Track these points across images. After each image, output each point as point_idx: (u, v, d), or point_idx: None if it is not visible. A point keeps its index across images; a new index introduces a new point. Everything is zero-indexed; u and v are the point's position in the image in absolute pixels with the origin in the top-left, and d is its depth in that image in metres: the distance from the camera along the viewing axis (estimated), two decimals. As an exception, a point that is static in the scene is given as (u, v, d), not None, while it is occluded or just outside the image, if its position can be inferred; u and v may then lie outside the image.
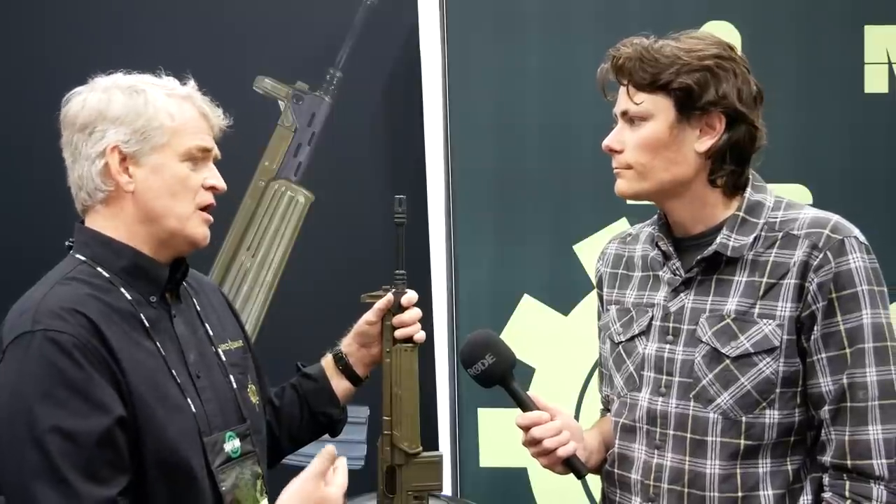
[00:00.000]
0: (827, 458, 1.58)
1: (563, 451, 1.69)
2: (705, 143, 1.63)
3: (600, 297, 1.88)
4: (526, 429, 1.71)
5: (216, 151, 1.70)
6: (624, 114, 1.67)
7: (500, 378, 1.74)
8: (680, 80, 1.60)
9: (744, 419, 1.60)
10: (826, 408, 1.58)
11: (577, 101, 2.73)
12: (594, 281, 1.91)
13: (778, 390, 1.59)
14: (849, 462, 1.55)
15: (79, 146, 1.64)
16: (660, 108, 1.63)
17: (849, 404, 1.56)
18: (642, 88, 1.63)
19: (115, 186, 1.63)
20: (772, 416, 1.59)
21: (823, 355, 1.57)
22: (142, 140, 1.62)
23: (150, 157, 1.62)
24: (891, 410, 1.55)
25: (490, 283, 2.79)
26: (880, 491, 1.54)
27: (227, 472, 1.64)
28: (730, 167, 1.64)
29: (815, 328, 1.57)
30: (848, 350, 1.56)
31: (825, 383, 1.58)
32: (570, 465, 1.72)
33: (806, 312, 1.58)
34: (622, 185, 1.69)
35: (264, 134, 2.97)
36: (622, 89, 1.67)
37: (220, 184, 1.69)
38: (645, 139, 1.64)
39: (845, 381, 1.56)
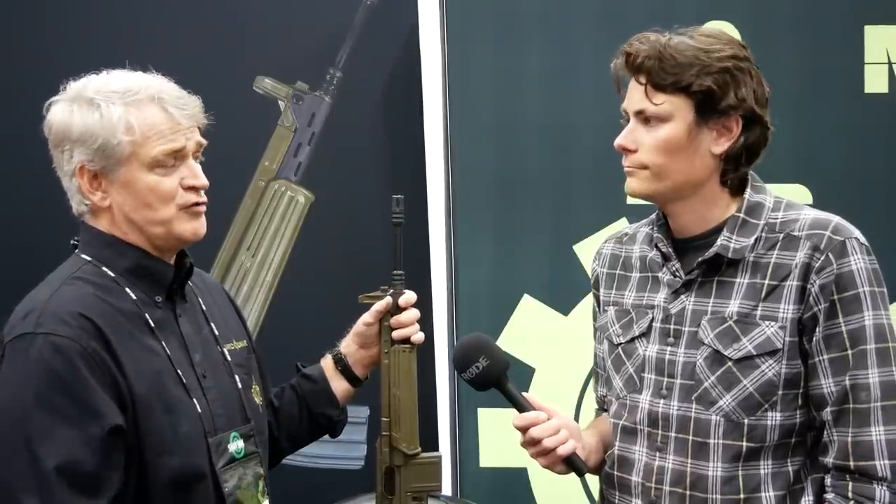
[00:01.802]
0: (829, 460, 1.58)
1: (562, 450, 1.68)
2: (722, 144, 1.62)
3: (597, 298, 1.87)
4: (523, 430, 1.70)
5: (192, 145, 1.64)
6: (639, 113, 1.64)
7: (495, 381, 1.74)
8: (702, 81, 1.59)
9: (746, 421, 1.60)
10: (828, 409, 1.57)
11: (577, 101, 2.73)
12: (591, 281, 1.91)
13: (780, 392, 1.59)
14: (851, 463, 1.55)
15: (58, 161, 1.65)
16: (679, 109, 1.61)
17: (851, 406, 1.56)
18: (662, 89, 1.61)
19: (92, 202, 1.63)
20: (774, 417, 1.59)
21: (825, 357, 1.57)
22: (105, 157, 1.59)
23: (118, 171, 1.60)
24: (893, 411, 1.55)
25: (490, 283, 2.79)
26: (883, 492, 1.54)
27: (231, 473, 1.64)
28: (743, 168, 1.64)
29: (817, 330, 1.57)
30: (850, 351, 1.56)
31: (827, 385, 1.57)
32: (571, 464, 1.71)
33: (808, 314, 1.58)
34: (634, 185, 1.67)
35: (264, 134, 2.96)
36: (637, 87, 1.64)
37: (200, 181, 1.64)
38: (663, 140, 1.62)
39: (847, 382, 1.56)
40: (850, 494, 1.56)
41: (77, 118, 1.60)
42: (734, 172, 1.64)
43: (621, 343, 1.75)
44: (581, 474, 1.75)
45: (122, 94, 1.61)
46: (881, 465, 1.54)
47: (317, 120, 2.97)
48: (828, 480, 1.59)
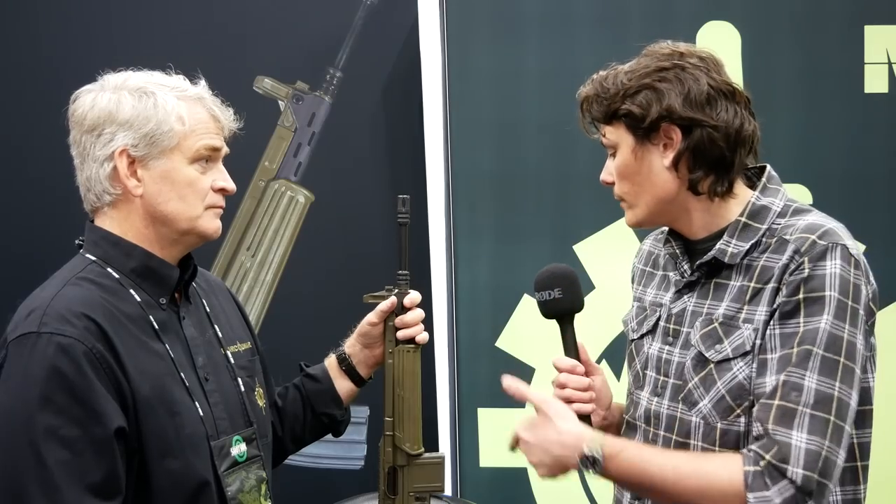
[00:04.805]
0: (751, 445, 1.51)
1: (577, 407, 1.70)
2: (668, 156, 1.62)
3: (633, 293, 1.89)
4: (560, 371, 1.74)
5: (225, 150, 1.70)
6: (604, 146, 1.70)
7: (557, 315, 1.76)
8: (624, 106, 1.61)
9: (719, 425, 1.58)
10: (762, 401, 1.52)
11: (577, 102, 2.72)
12: (630, 276, 1.90)
13: (751, 397, 1.55)
14: (767, 456, 1.48)
15: (87, 147, 1.63)
16: (620, 136, 1.64)
17: (778, 402, 1.49)
18: (603, 121, 1.66)
19: (124, 190, 1.62)
20: (746, 424, 1.56)
21: (777, 354, 1.52)
22: (151, 144, 1.61)
23: (159, 160, 1.62)
24: (820, 424, 1.47)
25: (490, 283, 2.79)
26: (787, 486, 1.47)
27: (233, 477, 1.64)
28: (700, 172, 1.61)
29: (773, 324, 1.53)
30: (797, 349, 1.50)
31: (769, 383, 1.52)
32: None
33: (772, 310, 1.55)
34: (626, 218, 1.71)
35: (264, 134, 2.97)
36: None
37: (230, 185, 1.68)
38: (617, 169, 1.66)
39: (783, 378, 1.50)
40: (764, 461, 1.48)
41: (127, 102, 1.61)
42: (705, 179, 1.62)
43: (634, 339, 1.78)
44: None
45: (172, 87, 1.64)
46: (793, 471, 1.47)
47: (317, 120, 2.97)
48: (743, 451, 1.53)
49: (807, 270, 1.53)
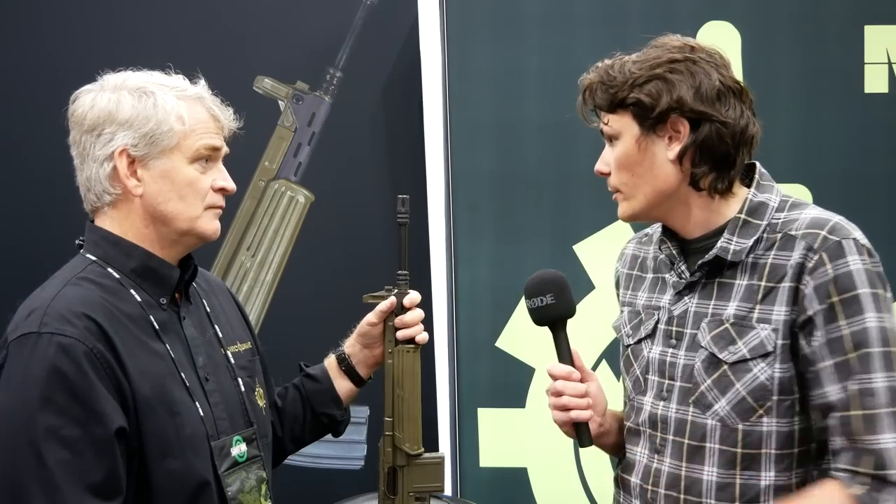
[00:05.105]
0: (841, 466, 1.53)
1: (575, 415, 1.69)
2: (674, 149, 1.61)
3: (618, 298, 1.87)
4: (555, 378, 1.72)
5: (225, 150, 1.70)
6: (603, 134, 1.68)
7: (550, 322, 1.74)
8: (633, 94, 1.60)
9: (740, 427, 1.58)
10: (836, 415, 1.53)
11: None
12: (613, 281, 1.90)
13: (775, 398, 1.56)
14: (862, 469, 1.50)
15: (87, 147, 1.63)
16: (624, 125, 1.63)
17: (860, 412, 1.51)
18: (607, 109, 1.65)
19: (123, 190, 1.62)
20: (769, 424, 1.56)
21: (829, 362, 1.53)
22: (150, 144, 1.61)
23: (159, 160, 1.62)
24: None
25: (490, 282, 2.79)
26: None
27: (233, 477, 1.64)
28: (704, 168, 1.61)
29: (817, 334, 1.53)
30: (854, 354, 1.51)
31: (832, 391, 1.53)
32: (578, 432, 1.72)
33: (803, 317, 1.55)
34: (619, 210, 1.70)
35: (264, 134, 2.97)
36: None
37: (230, 185, 1.68)
38: (618, 158, 1.65)
39: (854, 387, 1.51)
40: (863, 476, 1.50)
41: (126, 102, 1.62)
42: (707, 175, 1.62)
43: (630, 344, 1.76)
44: (583, 445, 1.74)
45: (172, 87, 1.65)
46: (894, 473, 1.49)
47: (317, 120, 2.97)
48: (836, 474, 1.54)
49: (830, 272, 1.53)
